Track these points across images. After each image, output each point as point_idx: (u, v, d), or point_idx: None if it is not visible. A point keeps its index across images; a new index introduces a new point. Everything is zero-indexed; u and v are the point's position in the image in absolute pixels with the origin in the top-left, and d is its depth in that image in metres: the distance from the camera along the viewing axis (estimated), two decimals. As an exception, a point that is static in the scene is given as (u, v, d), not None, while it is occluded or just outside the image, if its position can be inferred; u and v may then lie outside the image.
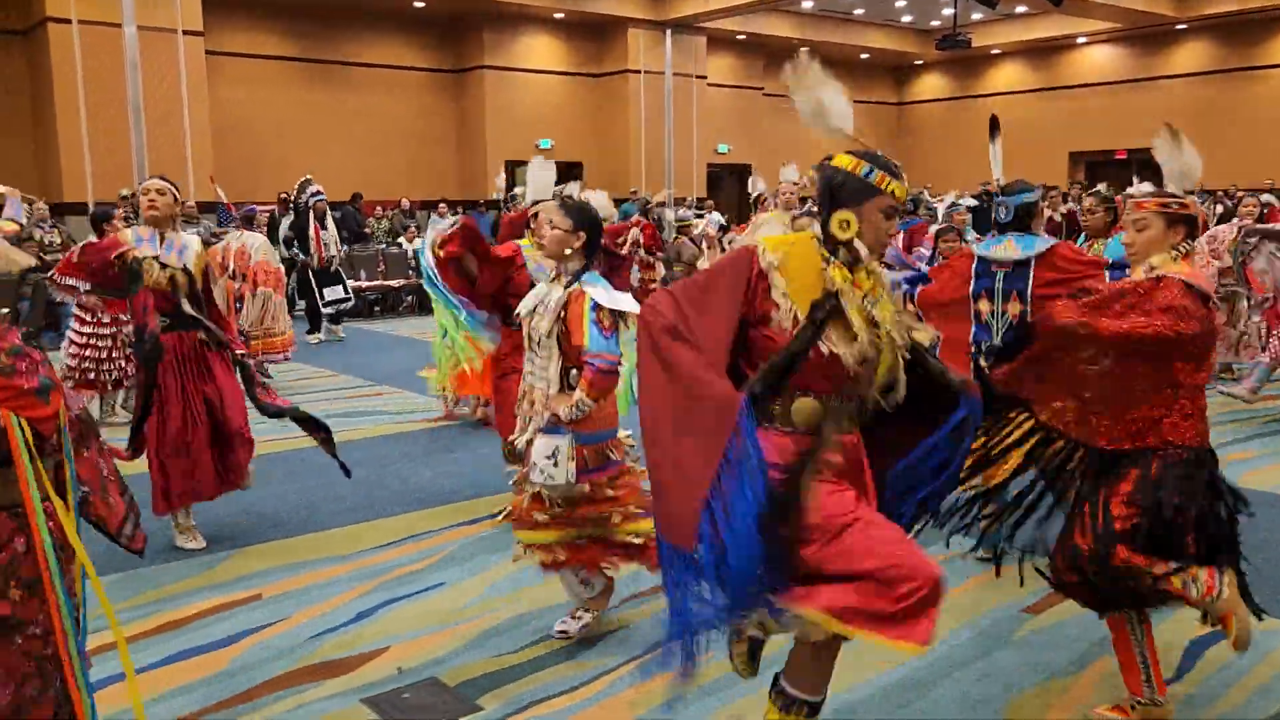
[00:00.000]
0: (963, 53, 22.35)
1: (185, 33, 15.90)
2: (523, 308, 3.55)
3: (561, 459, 3.32)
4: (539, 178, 5.17)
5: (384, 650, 3.60)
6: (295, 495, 5.47)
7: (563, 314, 3.38)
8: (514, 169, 20.06)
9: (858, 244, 2.39)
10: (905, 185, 2.44)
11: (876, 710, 3.14)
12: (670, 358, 2.30)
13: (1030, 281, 4.13)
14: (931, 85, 28.38)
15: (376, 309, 14.28)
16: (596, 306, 3.32)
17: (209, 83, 16.59)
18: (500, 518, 4.88)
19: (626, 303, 3.40)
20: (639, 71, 21.56)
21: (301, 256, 11.02)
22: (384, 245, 15.61)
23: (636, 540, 3.49)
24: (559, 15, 20.66)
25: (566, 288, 3.41)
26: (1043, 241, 4.20)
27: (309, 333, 11.14)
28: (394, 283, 14.52)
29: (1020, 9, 22.53)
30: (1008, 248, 4.22)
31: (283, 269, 9.29)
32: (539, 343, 3.45)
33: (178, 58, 15.76)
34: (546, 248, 3.48)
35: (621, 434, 3.58)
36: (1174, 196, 2.91)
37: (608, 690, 3.29)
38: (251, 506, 5.23)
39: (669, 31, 21.53)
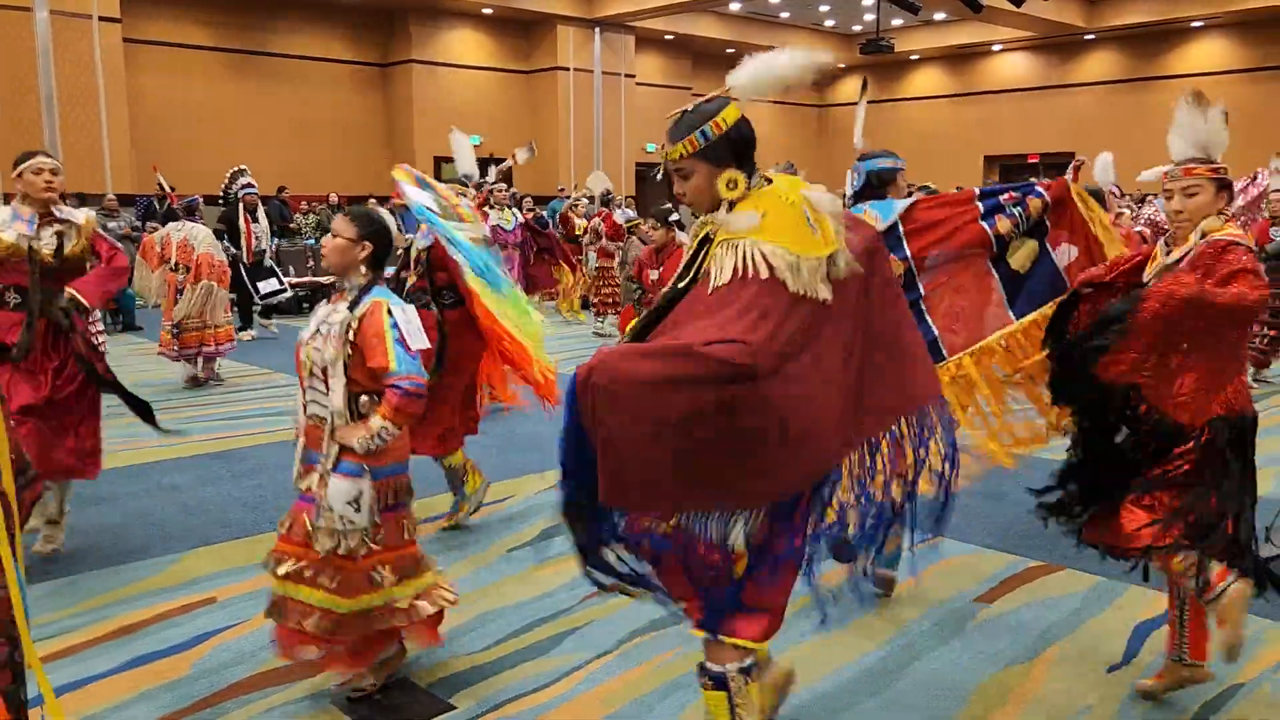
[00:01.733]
0: (884, 58, 22.82)
1: (101, 19, 15.39)
2: (303, 333, 3.19)
3: (364, 502, 3.03)
4: (461, 146, 5.20)
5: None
6: (242, 495, 5.37)
7: (350, 335, 3.03)
8: (442, 165, 19.85)
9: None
10: (667, 143, 2.34)
11: (841, 702, 3.23)
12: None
13: (905, 241, 3.86)
14: (853, 89, 28.88)
15: (305, 305, 14.00)
16: (397, 324, 3.02)
17: (127, 72, 16.06)
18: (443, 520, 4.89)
19: (416, 329, 3.10)
20: (568, 69, 21.54)
21: (232, 250, 10.77)
22: (312, 241, 15.31)
23: (403, 605, 3.16)
24: (487, 10, 20.54)
25: (352, 307, 3.06)
26: (900, 203, 3.94)
27: (240, 329, 10.89)
28: (324, 279, 14.24)
29: (939, 16, 23.09)
30: (866, 218, 3.95)
31: (226, 261, 9.12)
32: (323, 371, 3.07)
33: (93, 45, 15.24)
34: (327, 259, 3.19)
35: None
36: (1218, 164, 2.96)
37: (580, 686, 3.32)
38: (198, 507, 5.12)
39: (598, 29, 21.55)
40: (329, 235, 3.19)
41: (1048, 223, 3.84)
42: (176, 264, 8.45)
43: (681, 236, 6.39)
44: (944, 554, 4.54)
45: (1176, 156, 3.03)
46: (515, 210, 10.81)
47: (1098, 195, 4.82)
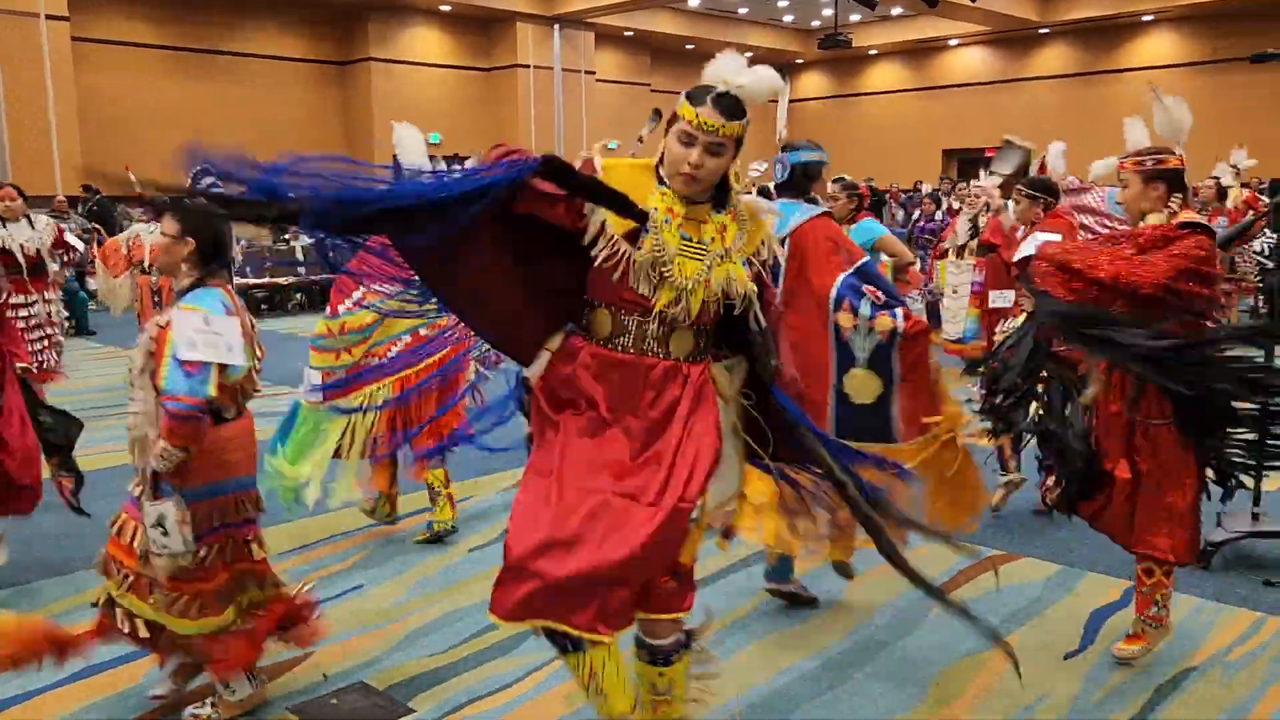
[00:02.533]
0: (843, 52, 22.96)
1: (48, 17, 15.10)
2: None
3: (170, 525, 2.80)
4: (406, 137, 5.10)
5: (306, 656, 3.51)
6: (196, 501, 5.29)
7: (152, 346, 2.84)
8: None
9: (662, 171, 2.36)
10: (712, 114, 2.27)
11: (802, 694, 3.24)
12: None
13: (783, 268, 3.38)
14: (813, 84, 29.06)
15: (264, 307, 13.84)
16: (185, 336, 2.75)
17: (76, 71, 15.76)
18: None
19: (224, 343, 2.79)
20: (528, 66, 21.45)
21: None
22: (270, 241, 15.12)
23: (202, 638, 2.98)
24: (446, 8, 20.40)
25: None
26: (804, 211, 3.55)
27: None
28: (282, 280, 14.10)
29: (896, 10, 23.25)
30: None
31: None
32: (137, 378, 2.90)
33: (40, 44, 14.94)
34: (156, 259, 2.97)
35: None
36: (1152, 153, 3.10)
37: (541, 686, 3.30)
38: (150, 514, 5.03)
39: (557, 26, 21.48)
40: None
41: (897, 367, 3.37)
42: (149, 266, 8.26)
43: None
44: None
45: (1136, 146, 3.17)
46: None
47: (1049, 187, 4.87)
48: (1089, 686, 3.25)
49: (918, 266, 5.40)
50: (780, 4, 23.90)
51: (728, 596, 3.99)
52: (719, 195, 2.40)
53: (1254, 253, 10.34)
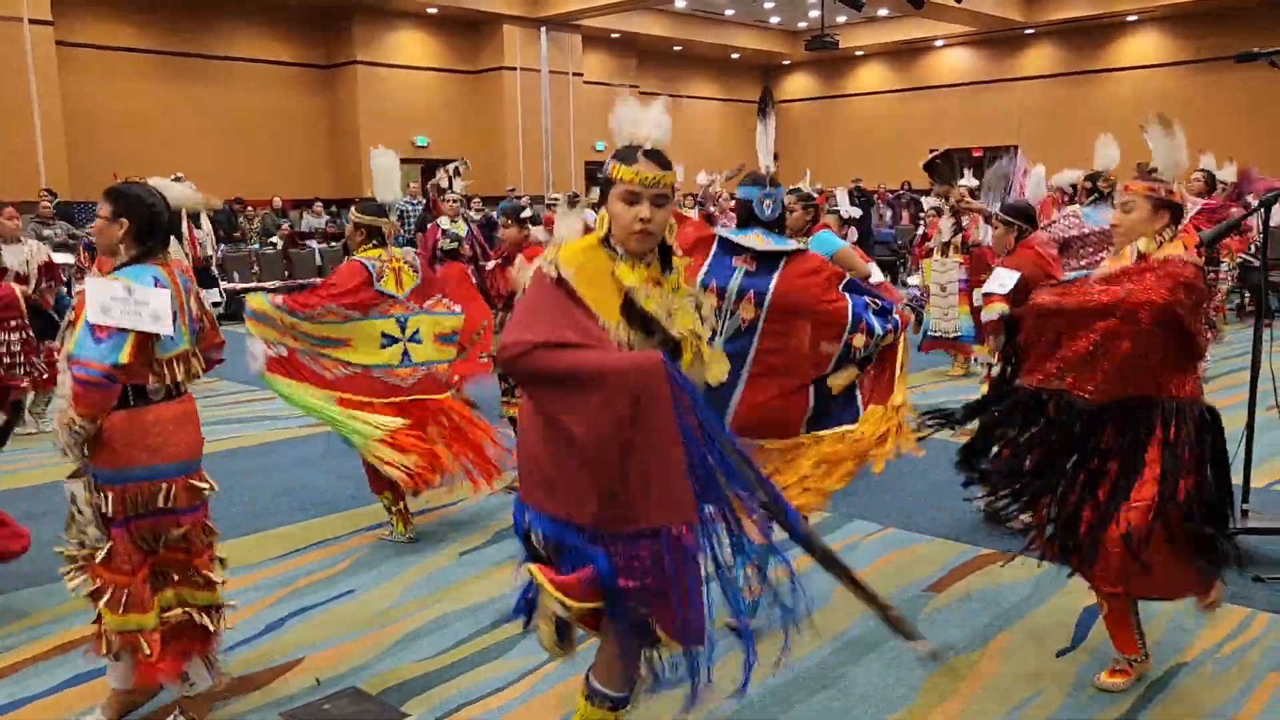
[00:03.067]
0: (829, 54, 22.99)
1: (32, 22, 14.99)
2: None
3: (80, 503, 2.73)
4: (383, 166, 5.07)
5: (298, 662, 3.50)
6: (185, 507, 5.26)
7: (73, 314, 2.80)
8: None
9: (613, 240, 2.35)
10: (649, 167, 2.30)
11: (794, 695, 3.23)
12: (561, 366, 2.12)
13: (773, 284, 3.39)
14: (800, 85, 29.09)
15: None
16: (100, 303, 2.68)
17: (60, 76, 15.67)
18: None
19: (154, 312, 2.70)
20: (515, 69, 21.41)
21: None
22: (257, 246, 15.09)
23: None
24: (432, 10, 20.35)
25: None
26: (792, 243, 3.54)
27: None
28: (269, 284, 14.03)
29: (882, 12, 23.30)
30: (755, 239, 3.45)
31: (190, 265, 8.89)
32: (62, 361, 2.80)
33: (24, 49, 14.85)
34: (97, 243, 2.99)
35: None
36: (1163, 183, 3.06)
37: (534, 689, 3.29)
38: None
39: (544, 29, 21.47)
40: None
41: (873, 358, 3.54)
42: None
43: (538, 234, 5.94)
44: (895, 544, 4.58)
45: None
46: (465, 217, 10.71)
47: (1026, 214, 4.85)
48: (1081, 683, 3.26)
49: (875, 278, 5.27)
50: (767, 5, 23.94)
51: (719, 598, 3.98)
52: (664, 257, 2.44)
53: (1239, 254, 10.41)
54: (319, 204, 18.08)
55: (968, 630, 3.68)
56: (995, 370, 3.67)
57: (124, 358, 2.67)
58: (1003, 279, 4.31)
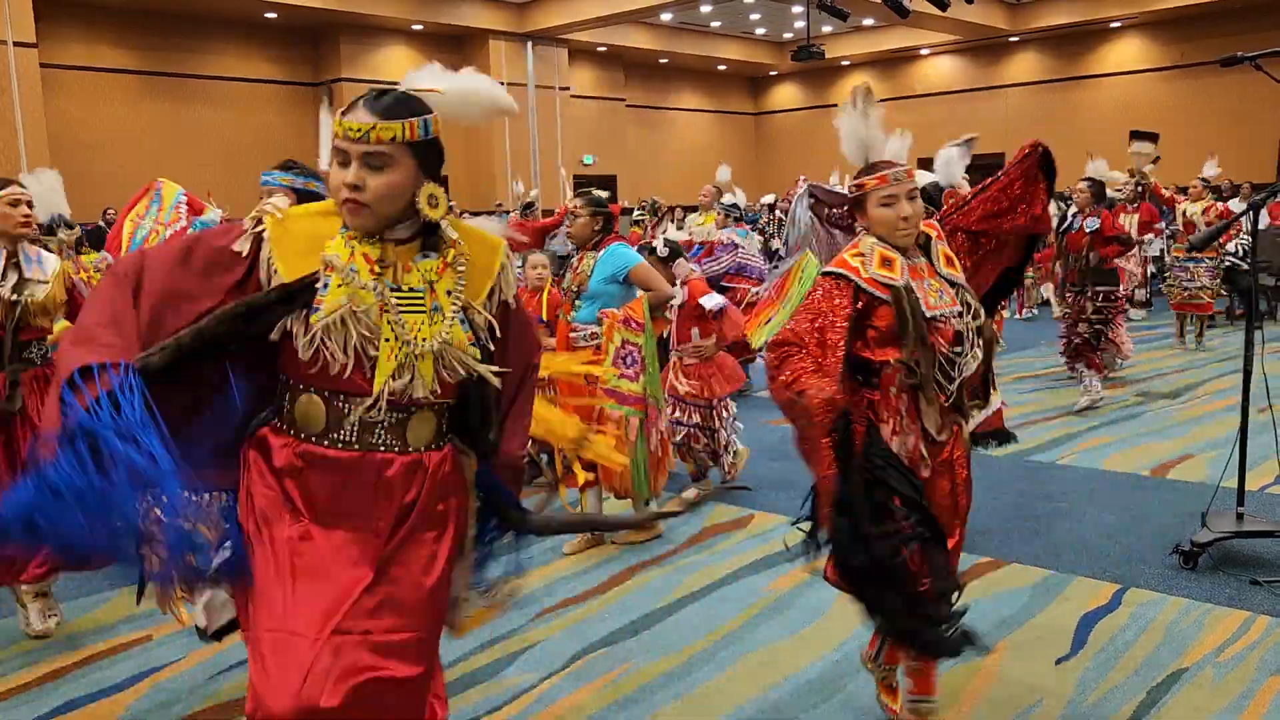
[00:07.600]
0: (816, 64, 23.07)
1: (17, 44, 14.95)
2: None
3: None
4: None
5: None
6: (175, 529, 5.21)
7: None
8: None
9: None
10: (362, 114, 1.87)
11: (797, 706, 3.21)
12: None
13: None
14: (786, 95, 29.19)
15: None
16: None
17: (45, 97, 15.63)
18: None
19: None
20: (502, 83, 21.34)
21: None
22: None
23: None
24: (418, 27, 20.37)
25: None
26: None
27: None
28: (257, 303, 14.00)
29: (868, 21, 23.41)
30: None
31: None
32: None
33: (9, 71, 14.82)
34: None
35: None
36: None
37: (532, 707, 3.26)
38: (129, 543, 4.95)
39: (530, 43, 21.51)
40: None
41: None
42: None
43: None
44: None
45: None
46: None
47: (931, 198, 4.47)
48: (1082, 690, 3.24)
49: (677, 301, 4.98)
50: (752, 17, 24.02)
51: (717, 611, 3.96)
52: (427, 235, 1.94)
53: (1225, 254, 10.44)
54: (308, 221, 18.05)
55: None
56: None
57: None
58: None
